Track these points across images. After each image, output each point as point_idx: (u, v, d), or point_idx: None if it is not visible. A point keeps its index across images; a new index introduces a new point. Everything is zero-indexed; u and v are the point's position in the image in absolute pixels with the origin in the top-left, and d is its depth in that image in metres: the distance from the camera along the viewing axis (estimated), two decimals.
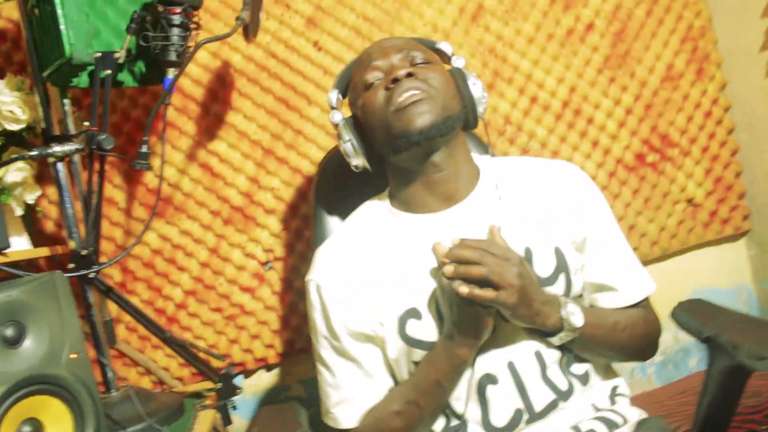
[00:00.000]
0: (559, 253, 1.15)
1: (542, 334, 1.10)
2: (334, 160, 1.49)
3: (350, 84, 1.27)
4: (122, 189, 1.79)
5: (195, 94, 1.81)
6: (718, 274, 2.12)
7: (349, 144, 1.22)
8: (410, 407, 1.11)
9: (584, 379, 1.15)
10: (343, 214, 1.41)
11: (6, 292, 1.05)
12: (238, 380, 1.74)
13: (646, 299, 1.24)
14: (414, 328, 1.12)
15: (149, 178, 1.80)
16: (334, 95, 1.28)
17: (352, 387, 1.16)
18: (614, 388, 1.19)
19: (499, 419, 1.09)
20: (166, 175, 1.79)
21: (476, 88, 1.20)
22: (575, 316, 1.07)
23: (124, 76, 1.51)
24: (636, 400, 1.27)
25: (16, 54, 1.77)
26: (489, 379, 1.10)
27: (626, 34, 1.97)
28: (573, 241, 1.18)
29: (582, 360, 1.16)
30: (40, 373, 1.05)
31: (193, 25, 1.44)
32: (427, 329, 1.12)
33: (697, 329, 1.28)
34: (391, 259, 1.17)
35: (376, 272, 1.16)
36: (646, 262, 1.98)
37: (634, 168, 1.97)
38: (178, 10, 1.39)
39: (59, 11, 1.26)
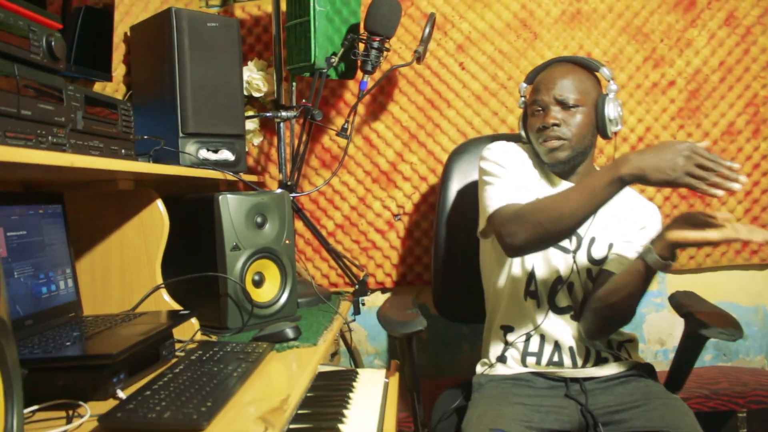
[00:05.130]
0: (609, 248, 1.70)
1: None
2: (459, 151, 2.07)
3: (533, 86, 1.72)
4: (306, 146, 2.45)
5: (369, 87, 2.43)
6: (741, 293, 2.51)
7: (520, 126, 1.76)
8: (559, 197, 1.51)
9: (603, 360, 1.68)
10: (462, 190, 2.00)
11: (260, 197, 1.72)
12: None
13: None
14: None
15: (324, 140, 2.46)
16: (523, 87, 1.77)
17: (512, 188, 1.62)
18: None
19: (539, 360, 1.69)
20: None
21: (611, 113, 1.61)
22: None
23: (330, 71, 2.15)
24: None
25: (257, 44, 2.46)
26: (540, 333, 1.69)
27: (700, 93, 2.43)
28: (626, 241, 1.70)
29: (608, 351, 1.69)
30: (270, 246, 1.73)
31: (385, 49, 2.08)
32: None
33: (680, 307, 1.76)
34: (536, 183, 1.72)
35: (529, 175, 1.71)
36: (681, 272, 2.46)
37: (686, 197, 2.44)
38: (378, 38, 2.03)
39: (312, 32, 1.93)
